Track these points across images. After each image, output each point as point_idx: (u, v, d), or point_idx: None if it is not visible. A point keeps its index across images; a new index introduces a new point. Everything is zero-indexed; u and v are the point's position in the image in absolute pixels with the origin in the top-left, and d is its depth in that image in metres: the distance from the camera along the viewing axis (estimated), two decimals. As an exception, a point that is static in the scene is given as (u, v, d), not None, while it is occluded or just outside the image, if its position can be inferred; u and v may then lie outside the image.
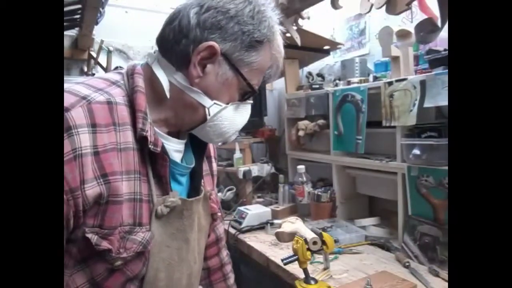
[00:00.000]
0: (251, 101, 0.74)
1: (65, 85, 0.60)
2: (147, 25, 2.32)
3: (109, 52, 2.11)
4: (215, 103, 0.67)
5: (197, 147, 0.78)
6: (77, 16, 1.81)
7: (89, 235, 0.57)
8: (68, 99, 0.57)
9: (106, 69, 2.15)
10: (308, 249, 0.95)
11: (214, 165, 0.88)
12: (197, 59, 0.63)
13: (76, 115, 0.56)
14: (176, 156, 0.71)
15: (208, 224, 0.82)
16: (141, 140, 0.62)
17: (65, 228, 0.56)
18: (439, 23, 1.08)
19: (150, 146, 0.62)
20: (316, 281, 0.95)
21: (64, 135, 0.54)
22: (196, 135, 0.73)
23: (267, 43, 0.67)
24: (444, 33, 1.08)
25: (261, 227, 1.55)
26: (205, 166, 0.83)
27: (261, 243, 1.41)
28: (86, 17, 1.74)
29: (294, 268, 1.06)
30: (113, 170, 0.58)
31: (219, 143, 0.78)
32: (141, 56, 2.46)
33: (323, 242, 1.01)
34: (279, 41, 0.70)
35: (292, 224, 1.06)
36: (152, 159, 0.64)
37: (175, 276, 0.69)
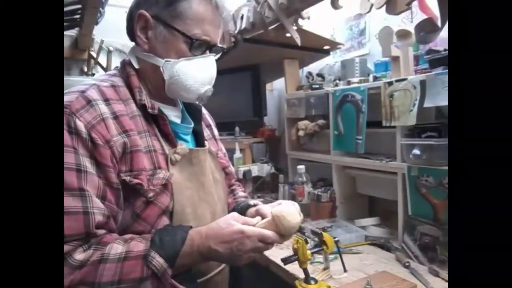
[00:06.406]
0: (207, 55, 0.83)
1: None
2: (147, 25, 2.33)
3: (109, 52, 2.11)
4: (166, 61, 0.80)
5: (192, 114, 0.95)
6: (77, 16, 1.81)
7: (124, 177, 0.72)
8: (80, 87, 0.74)
9: (106, 69, 2.15)
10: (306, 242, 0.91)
11: (215, 130, 1.07)
12: (136, 29, 0.81)
13: (91, 93, 0.73)
14: (177, 120, 0.88)
15: (223, 178, 0.99)
16: (142, 108, 0.79)
17: (114, 170, 0.71)
18: (439, 23, 1.08)
19: (149, 110, 0.79)
20: (316, 281, 0.94)
21: (87, 106, 0.71)
22: (183, 102, 0.91)
23: None
24: (444, 33, 1.08)
25: (261, 227, 1.55)
26: (207, 132, 1.00)
27: (261, 243, 1.40)
28: (86, 17, 1.74)
29: (294, 268, 1.06)
30: (130, 128, 0.75)
31: (197, 101, 0.88)
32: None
33: (323, 242, 1.01)
34: None
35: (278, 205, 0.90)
36: (155, 122, 0.81)
37: (199, 211, 0.84)
